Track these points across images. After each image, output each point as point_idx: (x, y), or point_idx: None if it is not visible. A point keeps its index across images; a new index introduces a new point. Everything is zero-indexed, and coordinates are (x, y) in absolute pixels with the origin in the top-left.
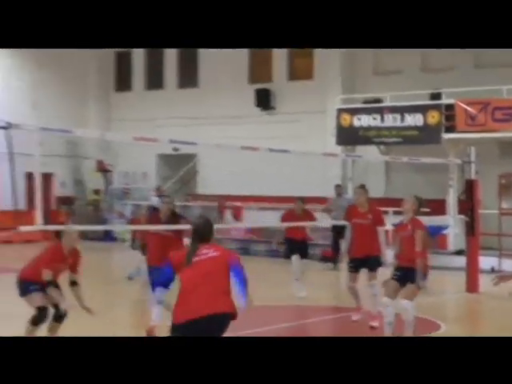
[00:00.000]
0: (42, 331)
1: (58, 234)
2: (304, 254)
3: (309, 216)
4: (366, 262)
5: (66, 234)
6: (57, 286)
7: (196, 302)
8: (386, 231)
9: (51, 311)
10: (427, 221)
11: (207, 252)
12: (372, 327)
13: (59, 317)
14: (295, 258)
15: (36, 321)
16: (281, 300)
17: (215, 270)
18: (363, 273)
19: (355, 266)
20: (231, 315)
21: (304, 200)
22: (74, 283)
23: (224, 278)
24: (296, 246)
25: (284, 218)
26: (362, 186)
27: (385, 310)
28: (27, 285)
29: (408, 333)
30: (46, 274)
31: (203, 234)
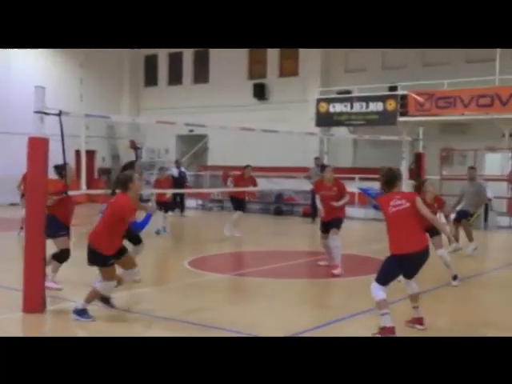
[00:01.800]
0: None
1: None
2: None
3: (252, 181)
4: (332, 223)
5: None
6: None
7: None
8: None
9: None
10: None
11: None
12: (334, 275)
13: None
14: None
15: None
16: (269, 246)
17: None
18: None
19: (325, 227)
20: None
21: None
22: None
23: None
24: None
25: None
26: (329, 165)
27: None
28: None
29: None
30: None
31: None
